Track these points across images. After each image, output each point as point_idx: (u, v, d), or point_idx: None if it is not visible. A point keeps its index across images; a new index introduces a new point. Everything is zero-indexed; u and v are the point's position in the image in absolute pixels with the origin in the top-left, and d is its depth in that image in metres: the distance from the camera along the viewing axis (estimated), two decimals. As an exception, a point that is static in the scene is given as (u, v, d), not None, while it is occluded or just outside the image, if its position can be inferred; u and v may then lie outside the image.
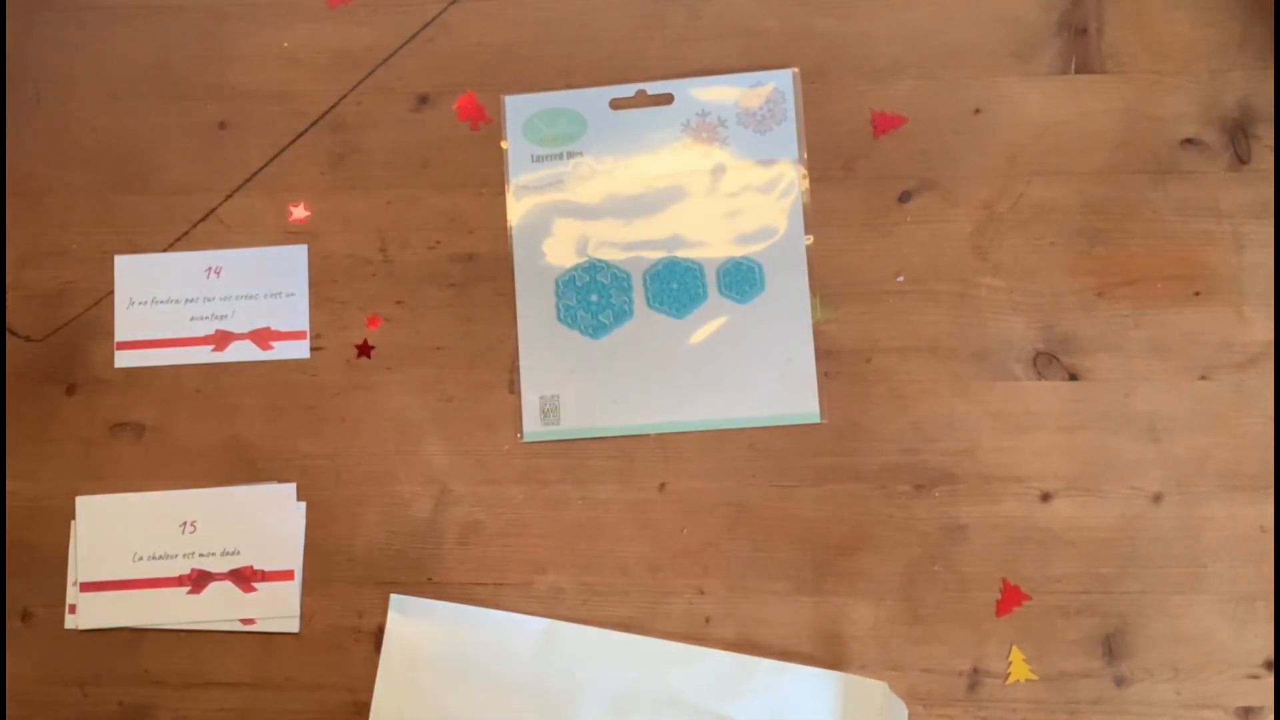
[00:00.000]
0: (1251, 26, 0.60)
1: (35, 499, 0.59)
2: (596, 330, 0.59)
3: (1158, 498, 0.57)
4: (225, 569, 0.58)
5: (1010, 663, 0.56)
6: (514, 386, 0.59)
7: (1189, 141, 0.59)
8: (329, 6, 0.62)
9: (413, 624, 0.57)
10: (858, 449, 0.58)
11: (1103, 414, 0.57)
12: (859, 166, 0.60)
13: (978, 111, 0.60)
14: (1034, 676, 0.56)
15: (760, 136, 0.60)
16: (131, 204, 0.61)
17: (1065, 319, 0.58)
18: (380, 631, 0.57)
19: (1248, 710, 0.55)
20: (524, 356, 0.59)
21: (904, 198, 0.59)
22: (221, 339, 0.60)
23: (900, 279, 0.59)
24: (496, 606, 0.57)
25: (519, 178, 0.61)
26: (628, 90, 0.61)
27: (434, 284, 0.60)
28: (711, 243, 0.59)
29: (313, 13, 0.62)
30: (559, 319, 0.59)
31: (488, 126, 0.61)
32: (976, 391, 0.58)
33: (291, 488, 0.58)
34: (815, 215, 0.59)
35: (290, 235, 0.61)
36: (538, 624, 0.56)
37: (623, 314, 0.59)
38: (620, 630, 0.56)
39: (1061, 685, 0.55)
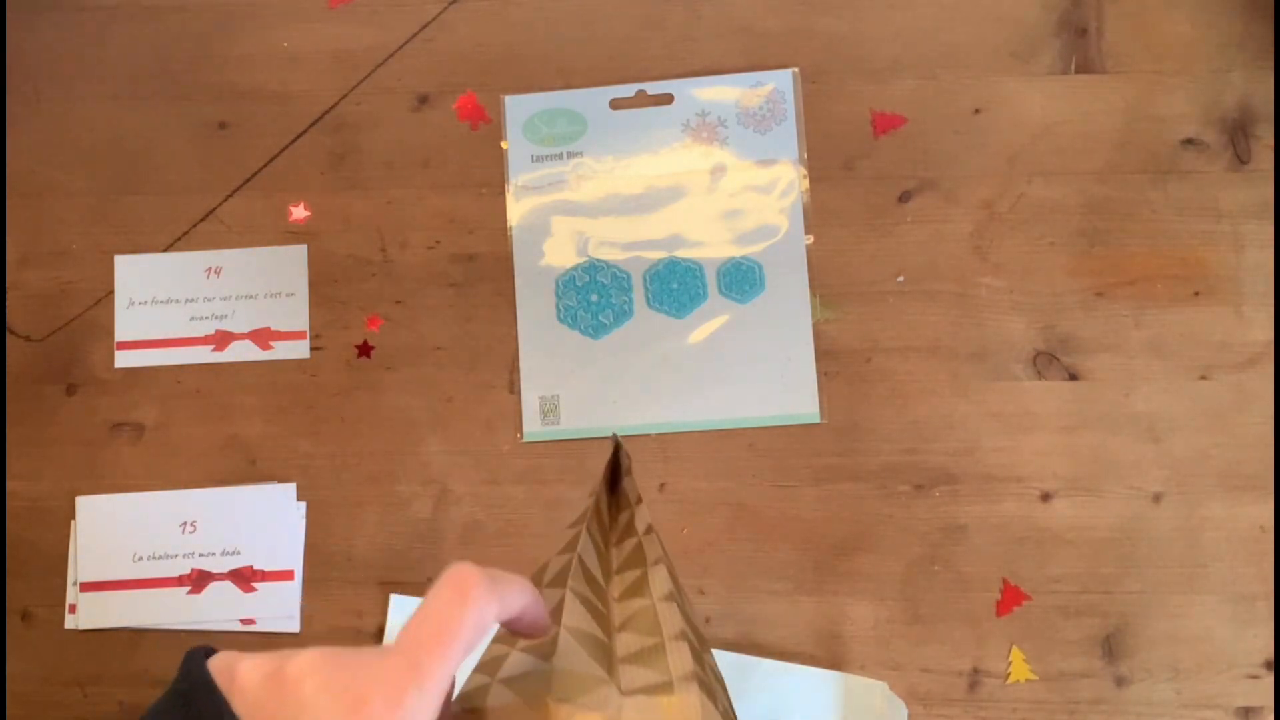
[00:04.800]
0: (1251, 26, 0.60)
1: (35, 499, 0.59)
2: (596, 330, 0.59)
3: (1158, 498, 0.57)
4: (225, 569, 0.58)
5: (1010, 663, 0.56)
6: (514, 386, 0.59)
7: (1189, 141, 0.59)
8: (329, 6, 0.62)
9: (413, 624, 0.57)
10: (858, 449, 0.58)
11: (1103, 414, 0.57)
12: (859, 166, 0.60)
13: (978, 111, 0.60)
14: (1034, 676, 0.56)
15: (760, 136, 0.60)
16: (131, 204, 0.61)
17: (1065, 319, 0.58)
18: (380, 631, 0.57)
19: (1248, 710, 0.55)
20: (524, 356, 0.59)
21: (904, 198, 0.59)
22: (221, 339, 0.60)
23: (900, 279, 0.59)
24: (496, 606, 0.57)
25: (519, 178, 0.61)
26: (628, 90, 0.61)
27: (434, 284, 0.60)
28: (711, 243, 0.59)
29: (313, 13, 0.62)
30: (559, 319, 0.59)
31: (488, 126, 0.61)
32: (976, 391, 0.58)
33: (291, 488, 0.58)
34: (815, 215, 0.59)
35: (290, 235, 0.61)
36: (538, 624, 0.56)
37: (623, 314, 0.59)
38: (620, 630, 0.56)
39: (1061, 685, 0.55)
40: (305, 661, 0.27)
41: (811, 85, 0.60)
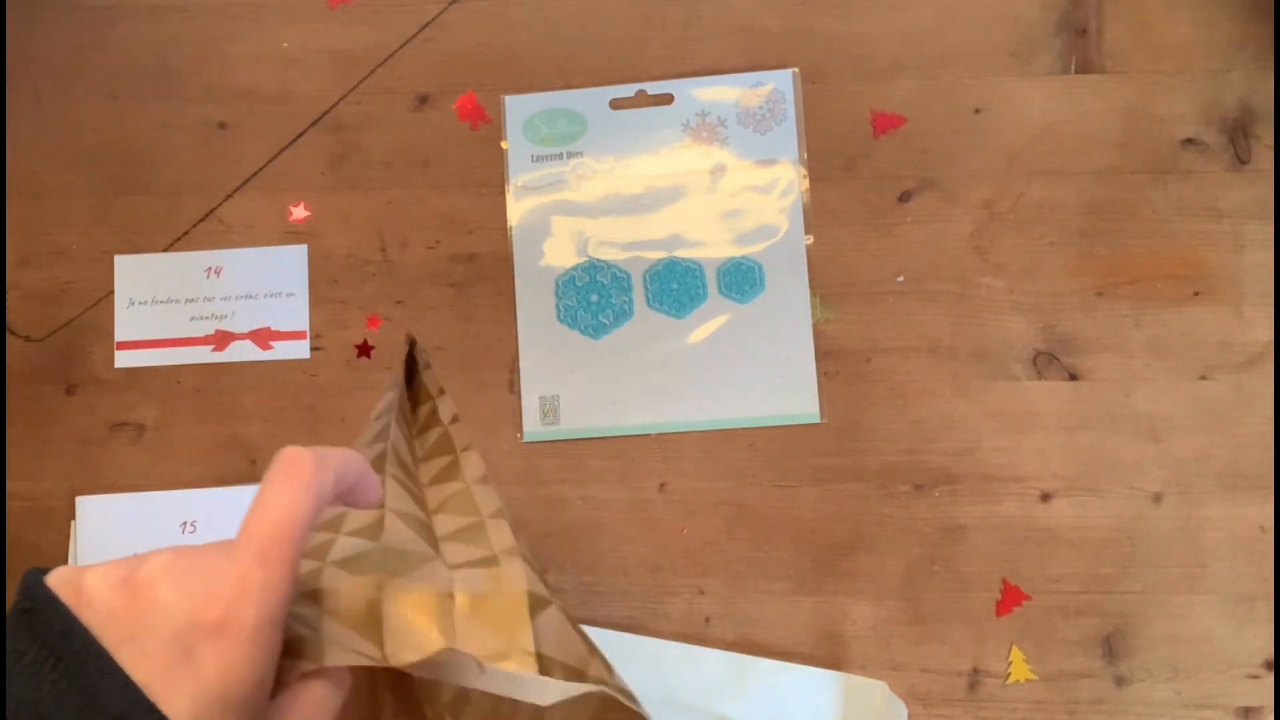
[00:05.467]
0: (1251, 26, 0.60)
1: (35, 499, 0.59)
2: (596, 330, 0.59)
3: (1158, 498, 0.57)
4: (225, 569, 0.58)
5: (1010, 663, 0.56)
6: (514, 386, 0.59)
7: (1189, 141, 0.59)
8: (329, 6, 0.62)
9: (412, 624, 0.57)
10: (858, 449, 0.58)
11: (1103, 414, 0.57)
12: (859, 166, 0.60)
13: (978, 111, 0.60)
14: (1034, 676, 0.56)
15: (760, 136, 0.60)
16: (131, 204, 0.61)
17: (1065, 319, 0.58)
18: (380, 631, 0.57)
19: (1248, 710, 0.55)
20: (524, 356, 0.59)
21: (904, 198, 0.59)
22: (221, 339, 0.60)
23: (900, 279, 0.59)
24: (496, 606, 0.57)
25: (519, 178, 0.61)
26: (628, 90, 0.61)
27: (434, 284, 0.60)
28: (711, 243, 0.59)
29: (313, 13, 0.62)
30: (559, 319, 0.59)
31: (488, 126, 0.61)
32: (976, 391, 0.58)
33: (291, 488, 0.58)
34: (815, 215, 0.59)
35: (290, 235, 0.61)
36: (538, 624, 0.56)
37: (623, 314, 0.59)
38: (620, 630, 0.56)
39: (1061, 685, 0.55)
40: (156, 564, 0.27)
41: (811, 85, 0.60)
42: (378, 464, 0.36)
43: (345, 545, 0.32)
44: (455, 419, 0.40)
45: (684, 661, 0.55)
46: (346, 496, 0.31)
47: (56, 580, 0.27)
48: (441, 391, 0.42)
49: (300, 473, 0.29)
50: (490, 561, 0.33)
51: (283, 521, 0.28)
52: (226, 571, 0.27)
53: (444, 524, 0.36)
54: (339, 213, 0.61)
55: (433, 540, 0.34)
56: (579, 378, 0.59)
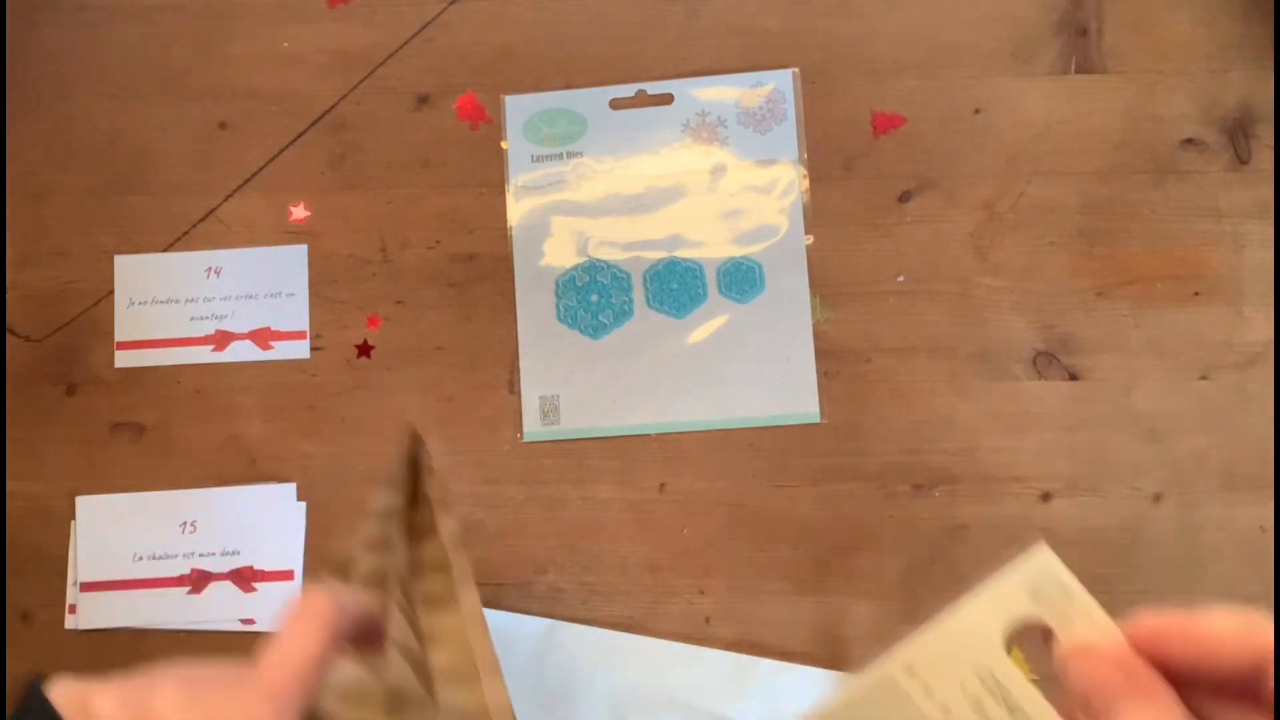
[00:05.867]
0: (1251, 26, 0.60)
1: (35, 499, 0.59)
2: (596, 330, 0.59)
3: (1158, 498, 0.57)
4: (225, 569, 0.58)
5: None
6: (514, 386, 0.59)
7: (1189, 141, 0.59)
8: (329, 6, 0.62)
9: (412, 624, 0.57)
10: (858, 449, 0.58)
11: (1103, 414, 0.57)
12: (859, 166, 0.60)
13: (978, 111, 0.60)
14: (1034, 676, 0.55)
15: (760, 136, 0.60)
16: (131, 204, 0.61)
17: (1065, 319, 0.58)
18: (380, 631, 0.57)
19: (1248, 710, 0.55)
20: (524, 356, 0.59)
21: (904, 198, 0.59)
22: (221, 339, 0.60)
23: (900, 279, 0.59)
24: (496, 606, 0.57)
25: (519, 178, 0.61)
26: (628, 90, 0.61)
27: (434, 284, 0.60)
28: (711, 243, 0.59)
29: (313, 13, 0.62)
30: (559, 319, 0.59)
31: (488, 126, 0.61)
32: (976, 391, 0.58)
33: (291, 488, 0.58)
34: (815, 215, 0.59)
35: (290, 235, 0.61)
36: (538, 624, 0.56)
37: (623, 314, 0.59)
38: (620, 630, 0.56)
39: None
40: (168, 698, 0.27)
41: (811, 85, 0.60)
42: (377, 579, 0.37)
43: (347, 673, 0.34)
44: (454, 537, 0.41)
45: (684, 661, 0.55)
46: (358, 641, 0.32)
47: (62, 697, 0.27)
48: (442, 501, 0.42)
49: (319, 617, 0.29)
50: (481, 715, 0.35)
51: (298, 664, 0.28)
52: (238, 713, 0.27)
53: (438, 661, 0.38)
54: (339, 213, 0.61)
55: (427, 678, 0.36)
56: (579, 378, 0.59)
